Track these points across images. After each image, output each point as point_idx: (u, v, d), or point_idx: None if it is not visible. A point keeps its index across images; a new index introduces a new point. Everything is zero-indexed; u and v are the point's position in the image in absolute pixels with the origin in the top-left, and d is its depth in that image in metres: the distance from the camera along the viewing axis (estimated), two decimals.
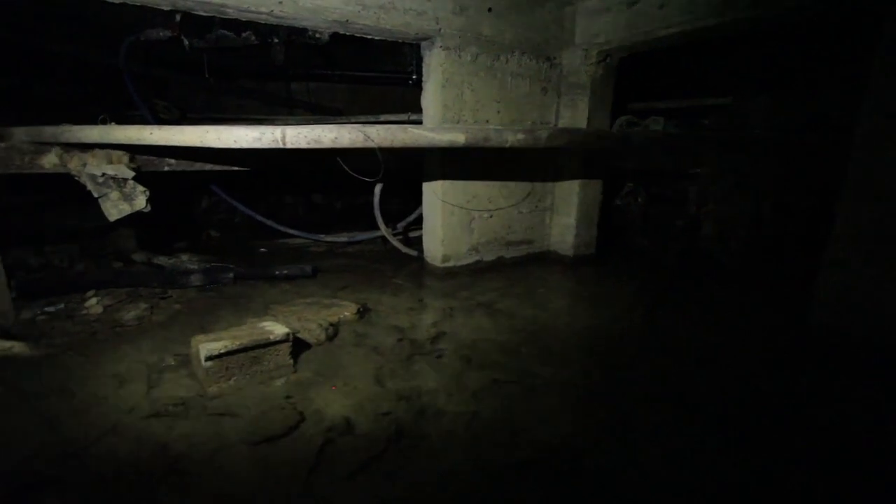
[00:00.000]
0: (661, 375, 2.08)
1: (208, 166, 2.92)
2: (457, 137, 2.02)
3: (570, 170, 3.59)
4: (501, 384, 1.98)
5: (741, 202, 3.08)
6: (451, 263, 3.39)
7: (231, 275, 3.08)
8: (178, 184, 3.19)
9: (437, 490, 1.41)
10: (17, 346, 2.10)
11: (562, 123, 3.55)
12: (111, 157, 2.33)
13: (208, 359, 1.78)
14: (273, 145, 1.60)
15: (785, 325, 2.61)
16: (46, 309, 2.53)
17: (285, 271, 3.21)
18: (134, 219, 2.70)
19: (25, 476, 1.41)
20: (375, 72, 4.77)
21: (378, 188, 3.44)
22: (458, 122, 3.10)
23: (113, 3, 2.07)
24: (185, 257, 3.44)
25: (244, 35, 2.96)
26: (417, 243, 3.77)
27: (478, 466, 1.51)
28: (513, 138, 2.07)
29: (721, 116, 3.75)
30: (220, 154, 3.04)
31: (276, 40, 3.04)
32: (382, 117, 4.47)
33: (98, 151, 2.30)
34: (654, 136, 2.74)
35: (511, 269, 3.57)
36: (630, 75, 3.59)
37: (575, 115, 3.47)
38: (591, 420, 1.76)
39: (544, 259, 3.81)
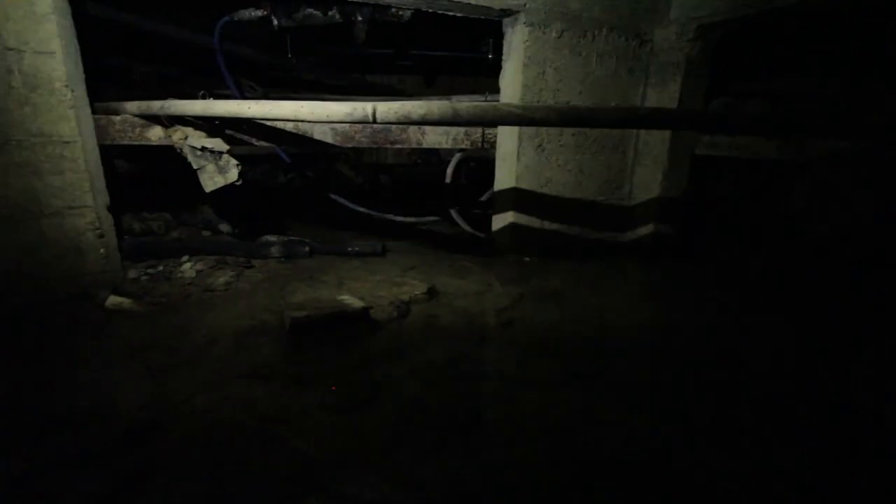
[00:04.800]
0: (755, 385, 1.91)
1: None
2: (548, 115, 1.95)
3: (654, 156, 3.35)
4: (577, 376, 1.91)
5: (863, 198, 2.70)
6: (520, 248, 3.31)
7: (307, 249, 3.21)
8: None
9: (511, 476, 1.39)
10: (126, 303, 2.32)
11: (647, 105, 3.31)
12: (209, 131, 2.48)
13: (293, 325, 1.86)
14: (364, 120, 1.62)
15: None
16: (148, 270, 2.77)
17: (357, 248, 3.30)
18: (218, 191, 2.86)
19: (132, 420, 1.55)
20: (448, 51, 4.70)
21: (450, 169, 3.41)
22: (538, 103, 2.98)
23: None
24: None
25: (330, 13, 3.03)
26: (486, 226, 3.71)
27: (553, 458, 1.46)
28: (606, 118, 1.96)
29: (835, 100, 3.31)
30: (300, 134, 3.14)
31: (359, 18, 3.09)
32: (454, 98, 4.41)
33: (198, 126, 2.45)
34: (764, 119, 2.45)
35: (583, 258, 3.43)
36: (727, 53, 3.25)
37: (663, 96, 3.22)
38: (677, 423, 1.65)
39: (618, 249, 3.62)
